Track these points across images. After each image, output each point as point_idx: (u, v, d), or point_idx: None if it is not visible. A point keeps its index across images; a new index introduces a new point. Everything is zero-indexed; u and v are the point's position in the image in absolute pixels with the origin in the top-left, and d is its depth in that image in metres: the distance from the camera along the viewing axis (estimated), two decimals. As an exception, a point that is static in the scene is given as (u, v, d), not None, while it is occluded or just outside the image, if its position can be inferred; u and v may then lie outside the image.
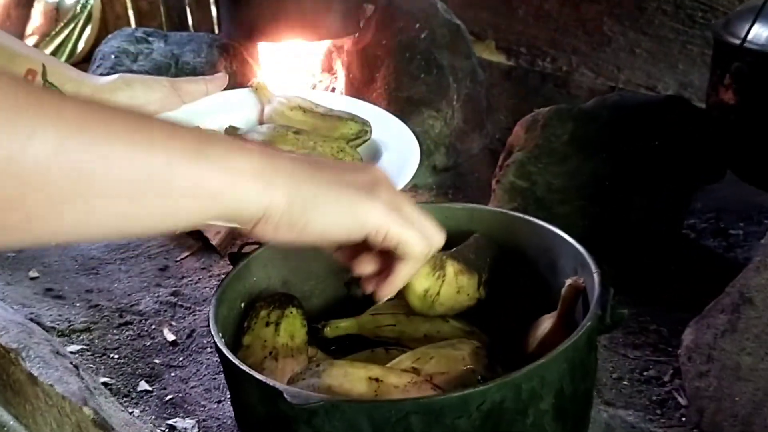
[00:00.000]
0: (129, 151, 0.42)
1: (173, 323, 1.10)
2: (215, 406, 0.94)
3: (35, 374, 0.90)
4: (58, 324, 1.10)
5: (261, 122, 0.87)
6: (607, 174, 1.10)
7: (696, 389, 0.83)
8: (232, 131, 0.82)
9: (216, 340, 0.65)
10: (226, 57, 1.50)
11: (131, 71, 1.40)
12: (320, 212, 0.50)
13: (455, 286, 0.76)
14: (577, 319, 0.69)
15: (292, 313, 0.76)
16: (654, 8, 1.66)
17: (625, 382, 0.91)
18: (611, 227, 1.09)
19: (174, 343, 1.06)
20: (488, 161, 1.46)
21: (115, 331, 1.09)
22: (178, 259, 1.27)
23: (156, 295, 1.17)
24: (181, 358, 1.03)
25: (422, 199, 1.38)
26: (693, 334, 0.85)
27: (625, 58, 1.73)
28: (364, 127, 0.84)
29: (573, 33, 1.81)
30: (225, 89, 0.87)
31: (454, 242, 0.84)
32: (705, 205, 1.28)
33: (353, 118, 0.84)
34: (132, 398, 0.96)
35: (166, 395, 0.96)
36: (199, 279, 1.21)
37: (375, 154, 0.83)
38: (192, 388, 0.97)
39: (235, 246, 1.20)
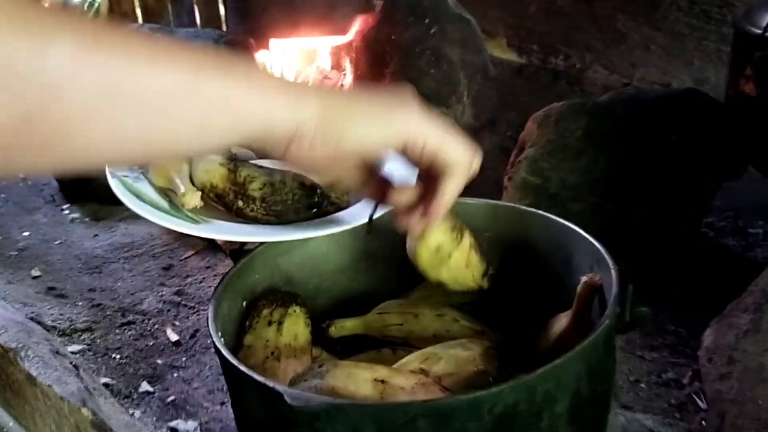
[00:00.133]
0: (151, 66, 0.41)
1: (176, 323, 1.08)
2: (218, 408, 0.91)
3: (34, 374, 0.88)
4: (59, 323, 1.09)
5: None
6: (622, 170, 1.07)
7: (717, 392, 0.80)
8: None
9: (214, 340, 0.62)
10: (233, 53, 1.48)
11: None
12: (355, 122, 0.49)
13: (466, 258, 0.73)
14: (593, 318, 0.66)
15: (295, 311, 0.74)
16: (668, 4, 1.63)
17: (642, 385, 0.89)
18: (627, 225, 1.06)
19: (177, 344, 1.04)
20: (500, 159, 1.43)
21: (117, 331, 1.08)
22: (182, 258, 1.25)
23: (159, 294, 1.15)
24: (184, 359, 1.01)
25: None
26: (713, 335, 0.82)
27: (640, 54, 1.70)
28: None
29: (586, 29, 1.79)
30: None
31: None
32: (724, 203, 1.24)
33: None
34: (133, 399, 0.94)
35: (168, 396, 0.94)
36: (204, 278, 1.19)
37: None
38: (195, 389, 0.95)
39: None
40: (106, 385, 0.96)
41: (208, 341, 1.04)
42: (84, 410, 0.81)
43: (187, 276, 1.20)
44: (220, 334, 0.64)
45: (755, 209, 1.24)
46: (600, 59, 1.76)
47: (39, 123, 0.38)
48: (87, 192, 1.43)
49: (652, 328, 0.98)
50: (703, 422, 0.82)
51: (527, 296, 0.77)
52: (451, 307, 0.77)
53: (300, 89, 0.48)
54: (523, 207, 0.80)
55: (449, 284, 0.74)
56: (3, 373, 0.93)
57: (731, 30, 1.13)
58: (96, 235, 1.34)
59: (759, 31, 0.92)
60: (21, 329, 0.96)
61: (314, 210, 0.69)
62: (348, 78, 1.52)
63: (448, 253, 0.72)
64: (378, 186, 0.58)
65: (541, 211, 0.77)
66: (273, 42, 1.52)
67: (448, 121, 0.53)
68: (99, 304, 1.14)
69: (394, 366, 0.65)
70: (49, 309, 1.12)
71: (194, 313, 1.10)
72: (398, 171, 0.59)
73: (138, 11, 2.07)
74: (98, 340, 1.06)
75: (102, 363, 1.01)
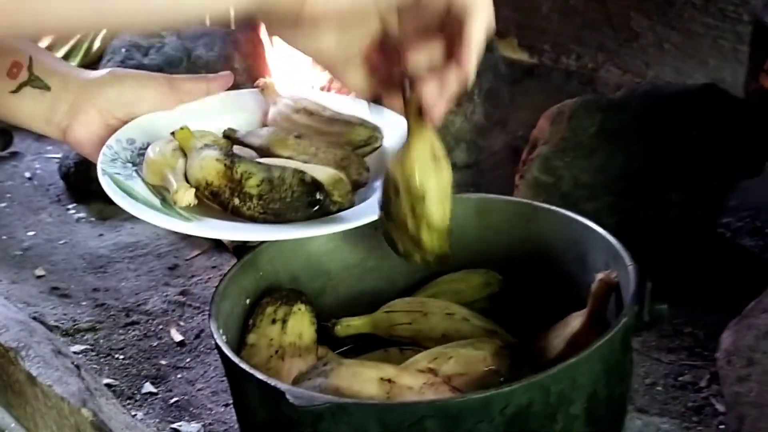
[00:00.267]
0: None
1: (181, 323, 1.07)
2: (222, 409, 0.90)
3: (34, 374, 0.87)
4: (62, 323, 1.07)
5: (265, 125, 0.81)
6: (637, 168, 1.04)
7: (735, 395, 0.78)
8: (230, 133, 0.77)
9: (215, 337, 0.60)
10: (241, 52, 1.46)
11: (141, 65, 1.36)
12: None
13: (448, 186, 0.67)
14: (609, 318, 0.64)
15: (300, 310, 0.72)
16: (683, 2, 1.60)
17: (659, 388, 0.87)
18: (642, 225, 1.04)
19: (181, 344, 1.03)
20: (511, 159, 1.41)
21: (120, 331, 1.06)
22: (188, 257, 1.23)
23: (164, 294, 1.14)
24: (188, 360, 1.00)
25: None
26: (732, 336, 0.80)
27: (654, 53, 1.68)
28: (374, 134, 0.76)
29: (599, 29, 1.77)
30: (233, 88, 0.82)
31: (475, 235, 0.80)
32: (741, 203, 1.22)
33: (363, 123, 0.77)
34: (136, 400, 0.93)
35: (172, 398, 0.93)
36: (210, 278, 1.17)
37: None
38: (198, 390, 0.94)
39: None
40: (108, 385, 0.95)
41: (213, 342, 1.02)
42: (84, 410, 0.79)
43: (193, 276, 1.18)
44: (221, 331, 0.62)
45: (773, 210, 1.22)
46: (613, 59, 1.74)
47: None
48: (93, 191, 1.42)
49: (669, 330, 0.96)
50: (722, 426, 0.80)
51: (539, 295, 0.75)
52: (462, 305, 0.75)
53: None
54: (535, 203, 0.78)
55: (430, 204, 0.65)
56: (4, 373, 0.92)
57: (747, 28, 1.10)
58: (101, 235, 1.33)
59: (779, 24, 0.90)
60: (22, 329, 0.95)
61: (315, 208, 0.65)
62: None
63: (440, 159, 0.65)
64: (386, 77, 0.55)
65: (553, 207, 0.75)
66: (281, 41, 1.50)
67: None
68: (103, 304, 1.12)
69: (402, 365, 0.63)
70: (52, 309, 1.11)
71: (199, 313, 1.09)
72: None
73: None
74: (101, 341, 1.04)
75: (105, 363, 1.00)
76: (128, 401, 0.92)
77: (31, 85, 0.72)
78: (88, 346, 1.03)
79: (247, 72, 1.42)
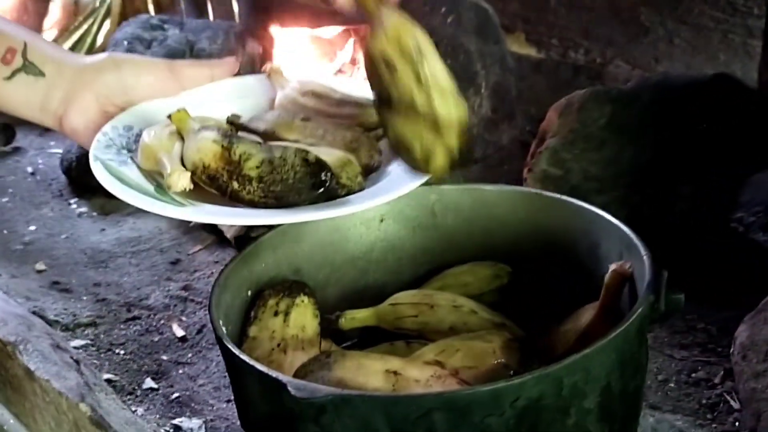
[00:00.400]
0: None
1: (183, 318, 1.05)
2: (224, 405, 0.88)
3: (32, 368, 0.85)
4: (62, 318, 1.06)
5: (271, 110, 0.78)
6: (648, 161, 1.02)
7: (752, 391, 0.76)
8: (234, 119, 0.74)
9: (215, 329, 0.58)
10: (244, 44, 1.44)
11: (144, 58, 1.35)
12: None
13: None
14: (623, 310, 0.62)
15: (303, 302, 0.70)
16: (693, -4, 1.58)
17: (671, 385, 0.84)
18: (653, 219, 1.01)
19: (183, 339, 1.01)
20: (519, 153, 1.39)
21: (121, 326, 1.05)
22: (190, 252, 1.22)
23: (166, 289, 1.12)
24: (189, 355, 0.98)
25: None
26: (748, 331, 0.78)
27: (663, 48, 1.66)
28: None
29: (607, 23, 1.74)
30: (237, 75, 0.79)
31: (483, 226, 0.78)
32: (753, 197, 1.20)
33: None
34: (136, 396, 0.91)
35: (173, 393, 0.91)
36: (212, 273, 1.15)
37: None
38: (200, 386, 0.92)
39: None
40: (108, 381, 0.93)
41: (215, 337, 1.00)
42: (82, 405, 0.77)
43: (195, 271, 1.17)
44: (222, 323, 0.60)
45: (786, 204, 1.20)
46: (622, 53, 1.72)
47: None
48: (95, 186, 1.40)
49: (681, 325, 0.94)
50: (737, 423, 0.78)
51: (549, 288, 0.73)
52: (469, 298, 0.73)
53: None
54: (546, 193, 0.76)
55: (431, 59, 0.63)
56: (2, 368, 0.91)
57: (758, 22, 1.08)
58: (103, 230, 1.31)
59: (795, 11, 0.87)
60: (21, 323, 0.93)
61: (319, 191, 0.60)
62: (362, 70, 1.49)
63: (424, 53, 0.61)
64: None
65: (564, 197, 0.73)
66: (285, 33, 1.49)
67: None
68: (104, 299, 1.11)
69: (408, 358, 0.61)
70: (52, 303, 1.09)
71: (201, 308, 1.07)
72: None
73: (150, 8, 2.05)
74: (102, 336, 1.03)
75: (105, 359, 0.98)
76: (129, 397, 0.91)
77: (26, 72, 0.70)
78: (89, 341, 1.01)
79: (250, 64, 1.40)
